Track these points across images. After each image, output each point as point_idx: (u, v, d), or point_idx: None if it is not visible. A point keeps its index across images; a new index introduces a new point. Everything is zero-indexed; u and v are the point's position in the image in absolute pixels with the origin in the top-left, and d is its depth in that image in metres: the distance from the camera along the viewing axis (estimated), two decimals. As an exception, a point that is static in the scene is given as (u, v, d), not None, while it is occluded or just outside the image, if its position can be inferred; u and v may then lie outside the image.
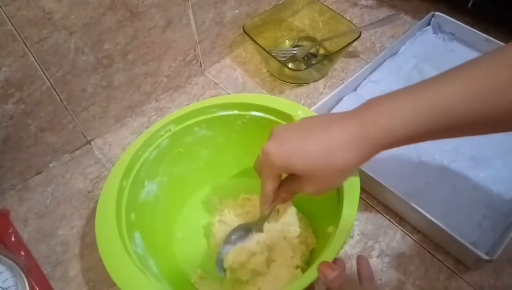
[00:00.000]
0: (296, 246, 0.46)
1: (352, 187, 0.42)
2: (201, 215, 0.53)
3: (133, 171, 0.46)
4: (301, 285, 0.35)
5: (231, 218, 0.50)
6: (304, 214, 0.50)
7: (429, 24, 0.72)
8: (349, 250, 0.50)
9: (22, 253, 0.49)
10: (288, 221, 0.47)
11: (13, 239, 0.50)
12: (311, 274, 0.35)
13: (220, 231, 0.49)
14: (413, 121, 0.34)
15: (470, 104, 0.32)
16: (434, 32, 0.72)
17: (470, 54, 0.68)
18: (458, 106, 0.32)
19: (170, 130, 0.49)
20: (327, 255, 0.36)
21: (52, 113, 0.55)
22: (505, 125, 0.33)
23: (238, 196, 0.52)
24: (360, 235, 0.51)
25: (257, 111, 0.50)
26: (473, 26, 0.68)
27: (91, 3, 0.49)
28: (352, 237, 0.51)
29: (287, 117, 0.48)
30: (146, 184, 0.48)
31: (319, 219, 0.48)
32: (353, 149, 0.36)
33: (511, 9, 0.67)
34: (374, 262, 0.49)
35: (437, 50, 0.70)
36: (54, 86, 0.53)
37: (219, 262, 0.45)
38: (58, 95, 0.54)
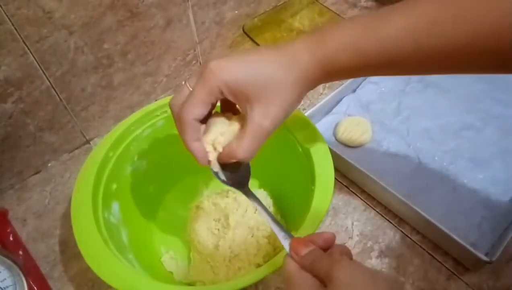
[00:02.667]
0: (262, 246, 0.47)
1: (324, 191, 0.42)
2: (187, 200, 0.54)
3: (123, 144, 0.48)
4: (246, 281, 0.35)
5: (208, 206, 0.50)
6: (283, 217, 0.51)
7: (428, 25, 0.72)
8: (349, 250, 0.50)
9: (21, 252, 0.49)
10: (262, 220, 0.48)
11: (11, 238, 0.50)
12: (257, 274, 0.36)
13: (197, 216, 0.50)
14: (356, 50, 0.33)
15: (413, 36, 0.31)
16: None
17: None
18: (401, 37, 0.32)
19: (166, 112, 0.50)
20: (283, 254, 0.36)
21: (51, 112, 0.55)
22: (453, 62, 0.32)
23: (224, 187, 0.52)
24: (359, 235, 0.51)
25: None
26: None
27: (91, 3, 0.49)
28: (351, 237, 0.51)
29: None
30: (135, 159, 0.50)
31: (294, 222, 0.48)
32: (287, 64, 0.34)
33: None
34: (374, 263, 0.49)
35: (437, 52, 0.70)
36: (54, 86, 0.53)
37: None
38: (57, 94, 0.54)
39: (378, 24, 0.33)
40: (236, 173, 0.37)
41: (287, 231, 0.33)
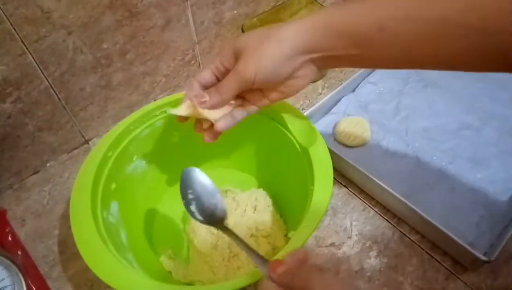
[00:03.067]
0: (261, 245, 0.47)
1: (323, 191, 0.42)
2: None
3: (122, 144, 0.48)
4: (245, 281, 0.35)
5: None
6: (282, 216, 0.51)
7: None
8: (348, 250, 0.50)
9: (19, 252, 0.49)
10: (262, 220, 0.48)
11: (10, 238, 0.50)
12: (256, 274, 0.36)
13: None
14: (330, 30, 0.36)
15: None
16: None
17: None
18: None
19: (165, 111, 0.50)
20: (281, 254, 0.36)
21: (50, 112, 0.55)
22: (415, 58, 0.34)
23: (223, 187, 0.53)
24: (358, 235, 0.51)
25: None
26: None
27: (89, 2, 0.49)
28: (350, 237, 0.51)
29: (277, 117, 0.49)
30: (134, 159, 0.50)
31: (293, 222, 0.49)
32: (290, 24, 0.37)
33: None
34: (372, 262, 0.49)
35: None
36: (52, 85, 0.52)
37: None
38: (56, 94, 0.54)
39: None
40: (212, 213, 0.39)
41: (263, 257, 0.34)
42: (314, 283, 0.29)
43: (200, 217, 0.38)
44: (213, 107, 0.39)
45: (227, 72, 0.39)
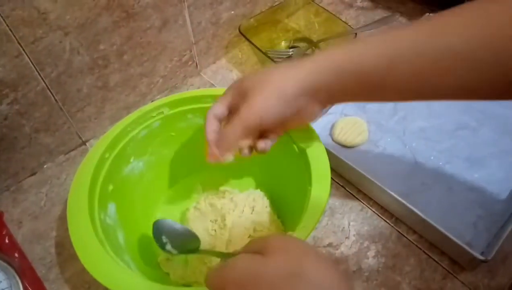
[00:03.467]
0: None
1: (321, 191, 0.42)
2: (184, 200, 0.54)
3: (119, 145, 0.48)
4: None
5: (205, 207, 0.50)
6: (280, 217, 0.51)
7: (424, 25, 0.73)
8: (345, 250, 0.50)
9: (16, 255, 0.49)
10: (259, 220, 0.48)
11: (7, 240, 0.50)
12: None
13: (193, 217, 0.50)
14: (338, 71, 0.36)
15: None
16: (429, 34, 0.72)
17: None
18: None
19: (163, 112, 0.50)
20: None
21: (47, 113, 0.54)
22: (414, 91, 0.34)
23: (220, 188, 0.53)
24: (356, 235, 0.51)
25: None
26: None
27: (86, 4, 0.49)
28: (348, 237, 0.51)
29: None
30: (131, 160, 0.50)
31: (291, 222, 0.48)
32: (293, 66, 0.38)
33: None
34: (370, 262, 0.49)
35: (432, 52, 0.70)
36: (49, 87, 0.52)
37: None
38: (53, 95, 0.53)
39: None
40: (186, 246, 0.42)
41: None
42: (273, 239, 0.28)
43: (175, 251, 0.41)
44: (221, 156, 0.40)
45: (236, 106, 0.40)
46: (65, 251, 0.51)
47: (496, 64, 0.29)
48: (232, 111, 0.40)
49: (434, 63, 0.32)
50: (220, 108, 0.41)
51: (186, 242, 0.42)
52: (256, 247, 0.29)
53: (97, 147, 0.46)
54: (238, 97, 0.39)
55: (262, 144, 0.41)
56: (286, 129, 0.43)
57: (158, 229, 0.42)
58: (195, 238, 0.42)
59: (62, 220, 0.54)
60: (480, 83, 0.31)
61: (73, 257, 0.50)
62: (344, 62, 0.35)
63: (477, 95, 0.33)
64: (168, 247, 0.41)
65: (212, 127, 0.41)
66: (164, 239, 0.41)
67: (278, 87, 0.37)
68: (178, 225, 0.43)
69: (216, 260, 0.45)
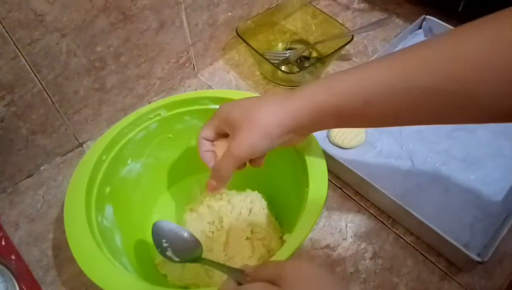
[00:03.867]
0: (256, 248, 0.47)
1: (318, 193, 0.42)
2: (181, 202, 0.54)
3: (116, 147, 0.48)
4: None
5: (202, 209, 0.50)
6: (277, 219, 0.51)
7: (420, 27, 0.73)
8: (343, 252, 0.50)
9: (13, 257, 0.49)
10: (257, 222, 0.48)
11: (3, 243, 0.49)
12: None
13: (191, 219, 0.50)
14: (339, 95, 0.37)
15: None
16: (426, 36, 0.73)
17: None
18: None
19: (160, 114, 0.50)
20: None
21: (44, 115, 0.54)
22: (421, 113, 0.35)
23: None
24: (353, 237, 0.51)
25: None
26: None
27: (83, 5, 0.49)
28: (345, 239, 0.51)
29: None
30: (129, 162, 0.50)
31: (288, 224, 0.48)
32: (276, 104, 0.39)
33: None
34: (367, 264, 0.49)
35: (429, 53, 0.70)
36: (46, 89, 0.52)
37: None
38: (50, 97, 0.53)
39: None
40: (187, 253, 0.41)
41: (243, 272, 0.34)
42: (287, 269, 0.28)
43: (177, 259, 0.40)
44: (219, 187, 0.44)
45: (223, 132, 0.44)
46: (62, 253, 0.51)
47: (466, 95, 0.31)
48: (220, 134, 0.44)
49: (406, 98, 0.33)
50: (208, 133, 0.44)
51: (188, 249, 0.40)
52: (270, 274, 0.29)
53: (94, 149, 0.46)
54: (225, 127, 0.43)
55: (254, 164, 0.44)
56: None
57: (159, 232, 0.41)
58: (197, 245, 0.41)
59: (59, 222, 0.54)
60: (453, 112, 0.33)
61: (70, 259, 0.50)
62: (323, 102, 0.37)
63: (454, 122, 0.35)
64: (169, 253, 0.40)
65: (204, 148, 0.44)
66: (165, 243, 0.40)
67: (263, 127, 0.39)
68: (179, 229, 0.41)
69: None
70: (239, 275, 0.32)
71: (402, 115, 0.35)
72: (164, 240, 0.40)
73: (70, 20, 0.49)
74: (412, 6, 0.79)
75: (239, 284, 0.31)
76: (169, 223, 0.41)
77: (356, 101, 0.36)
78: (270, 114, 0.39)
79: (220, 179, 0.43)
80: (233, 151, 0.41)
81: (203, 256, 0.42)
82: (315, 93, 0.38)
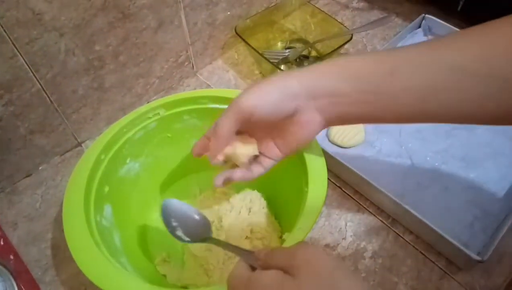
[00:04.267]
0: (256, 248, 0.47)
1: (318, 193, 0.42)
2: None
3: (115, 147, 0.47)
4: None
5: (201, 208, 0.50)
6: (277, 218, 0.51)
7: (419, 26, 0.73)
8: (342, 251, 0.50)
9: (11, 257, 0.49)
10: (256, 221, 0.48)
11: (2, 243, 0.49)
12: None
13: None
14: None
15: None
16: (425, 35, 0.73)
17: (460, 56, 0.69)
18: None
19: (159, 113, 0.50)
20: None
21: (42, 115, 0.54)
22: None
23: (217, 189, 0.53)
24: (352, 236, 0.51)
25: None
26: (462, 29, 0.69)
27: (81, 4, 0.49)
28: (345, 238, 0.51)
29: None
30: (128, 161, 0.50)
31: (288, 223, 0.48)
32: (295, 71, 0.37)
33: (499, 12, 0.68)
34: (367, 263, 0.49)
35: (428, 52, 0.70)
36: (44, 88, 0.52)
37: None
38: (48, 97, 0.53)
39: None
40: (197, 231, 0.40)
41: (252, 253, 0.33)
42: (300, 253, 0.27)
43: (187, 239, 0.39)
44: (216, 149, 0.39)
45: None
46: (60, 253, 0.51)
47: (500, 79, 0.29)
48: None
49: (437, 76, 0.31)
50: (231, 127, 0.38)
51: (198, 229, 0.39)
52: (282, 261, 0.28)
53: (92, 149, 0.46)
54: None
55: (238, 175, 0.41)
56: (285, 150, 0.41)
57: (168, 211, 0.39)
58: (207, 225, 0.40)
59: (58, 222, 0.54)
60: (484, 100, 0.31)
61: (69, 259, 0.50)
62: (344, 67, 0.35)
63: (483, 116, 0.33)
64: (179, 232, 0.39)
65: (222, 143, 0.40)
66: (174, 222, 0.39)
67: (278, 80, 0.36)
68: (188, 208, 0.40)
69: (213, 264, 0.45)
70: (250, 257, 0.32)
71: (428, 96, 0.32)
72: (172, 219, 0.39)
73: (69, 19, 0.49)
74: (411, 5, 0.79)
75: (251, 267, 0.31)
76: (179, 202, 0.40)
77: (381, 68, 0.33)
78: (288, 73, 0.36)
79: (217, 135, 0.37)
80: (239, 99, 0.36)
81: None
82: (338, 60, 0.36)
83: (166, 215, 0.39)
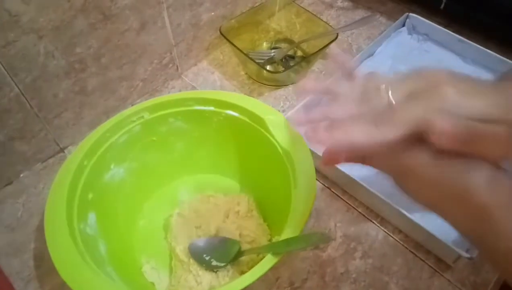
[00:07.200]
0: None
1: (307, 193, 0.42)
2: (168, 207, 0.53)
3: (98, 152, 0.46)
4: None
5: (189, 213, 0.49)
6: (266, 220, 0.50)
7: (403, 25, 0.73)
8: (333, 252, 0.49)
9: (-8, 269, 0.47)
10: (245, 225, 0.47)
11: (-19, 254, 0.48)
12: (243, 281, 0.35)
13: (177, 224, 0.49)
14: None
15: None
16: (409, 33, 0.73)
17: (444, 55, 0.70)
18: None
19: (143, 117, 0.49)
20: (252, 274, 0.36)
21: (22, 120, 0.52)
22: None
23: (204, 193, 0.52)
24: (342, 237, 0.51)
25: (233, 110, 0.50)
26: (446, 27, 0.70)
27: (60, 6, 0.47)
28: (334, 239, 0.51)
29: (259, 120, 0.48)
30: (112, 167, 0.48)
31: (277, 225, 0.48)
32: None
33: (481, 10, 0.69)
34: (357, 263, 0.48)
35: (412, 51, 0.71)
36: (23, 92, 0.50)
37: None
38: (27, 101, 0.51)
39: None
40: (227, 252, 0.45)
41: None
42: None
43: (223, 263, 0.44)
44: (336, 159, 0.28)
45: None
46: (44, 263, 0.49)
47: None
48: None
49: None
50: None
51: (228, 250, 0.44)
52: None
53: (74, 155, 0.45)
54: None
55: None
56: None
57: (196, 251, 0.44)
58: (233, 242, 0.44)
59: (41, 231, 0.52)
60: None
61: (53, 270, 0.48)
62: None
63: None
64: (214, 263, 0.43)
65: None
66: (206, 257, 0.44)
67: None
68: (210, 239, 0.45)
69: (202, 269, 0.44)
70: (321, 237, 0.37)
71: None
72: (204, 255, 0.44)
73: (47, 21, 0.47)
74: (395, 4, 0.80)
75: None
76: (201, 239, 0.46)
77: None
78: None
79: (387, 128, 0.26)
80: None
81: (242, 249, 0.44)
82: None
83: (196, 255, 0.44)
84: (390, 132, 0.26)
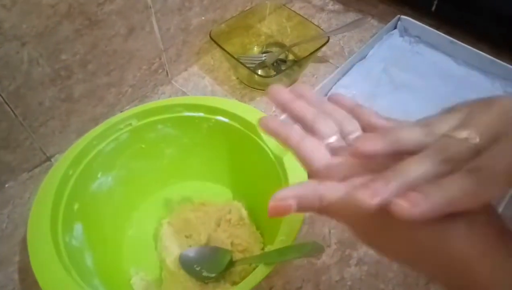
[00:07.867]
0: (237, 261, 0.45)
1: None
2: (157, 215, 0.51)
3: (84, 160, 0.45)
4: None
5: (178, 223, 0.48)
6: (258, 228, 0.49)
7: (395, 27, 0.73)
8: (327, 260, 0.48)
9: (-25, 283, 0.45)
10: (237, 233, 0.46)
11: (-36, 269, 0.46)
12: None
13: (167, 232, 0.48)
14: None
15: None
16: (401, 36, 0.73)
17: (436, 57, 0.69)
18: None
19: (131, 124, 0.48)
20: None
21: (6, 129, 0.51)
22: None
23: (195, 201, 0.51)
24: (337, 243, 0.50)
25: (223, 116, 0.49)
26: (437, 29, 0.69)
27: (44, 11, 0.46)
28: (329, 246, 0.50)
29: (250, 126, 0.47)
30: (99, 176, 0.47)
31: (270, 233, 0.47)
32: None
33: (472, 12, 0.69)
34: (352, 271, 0.47)
35: (404, 53, 0.70)
36: (7, 101, 0.49)
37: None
38: (12, 110, 0.50)
39: None
40: (218, 262, 0.44)
41: None
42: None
43: (214, 274, 0.43)
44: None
45: None
46: (29, 277, 0.47)
47: None
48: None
49: None
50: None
51: (219, 260, 0.43)
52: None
53: (59, 164, 0.43)
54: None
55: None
56: None
57: (186, 262, 0.43)
58: (225, 252, 0.43)
59: (26, 243, 0.50)
60: None
61: (38, 283, 0.47)
62: None
63: None
64: (205, 273, 0.42)
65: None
66: (197, 267, 0.43)
67: None
68: (200, 249, 0.44)
69: (192, 280, 0.43)
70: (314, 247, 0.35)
71: None
72: (195, 265, 0.43)
73: (31, 27, 0.46)
74: (386, 7, 0.79)
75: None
76: (192, 249, 0.45)
77: None
78: None
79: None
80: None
81: (234, 258, 0.44)
82: None
83: (187, 265, 0.43)
84: (496, 189, 0.22)
